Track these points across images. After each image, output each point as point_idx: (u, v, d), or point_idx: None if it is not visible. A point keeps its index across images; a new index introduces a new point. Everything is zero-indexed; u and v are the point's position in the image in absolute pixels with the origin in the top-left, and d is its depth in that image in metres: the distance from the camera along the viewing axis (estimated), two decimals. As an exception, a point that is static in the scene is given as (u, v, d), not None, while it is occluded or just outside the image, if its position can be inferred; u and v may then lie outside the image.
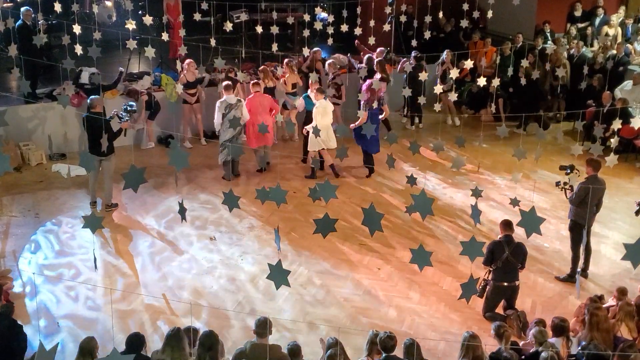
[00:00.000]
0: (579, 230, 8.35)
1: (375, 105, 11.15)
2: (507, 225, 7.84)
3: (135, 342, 6.02)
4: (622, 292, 7.08)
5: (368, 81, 11.27)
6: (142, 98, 12.23)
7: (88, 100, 9.98)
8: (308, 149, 11.25)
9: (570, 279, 8.54)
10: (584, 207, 8.07)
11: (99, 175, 10.02)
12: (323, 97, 10.95)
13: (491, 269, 7.76)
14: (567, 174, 8.54)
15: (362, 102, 11.18)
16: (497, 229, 9.69)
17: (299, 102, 11.77)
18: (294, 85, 12.54)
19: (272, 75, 12.30)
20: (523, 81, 11.50)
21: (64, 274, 8.54)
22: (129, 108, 10.28)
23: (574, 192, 8.32)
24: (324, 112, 10.93)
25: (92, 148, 9.58)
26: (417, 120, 13.82)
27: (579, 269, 8.33)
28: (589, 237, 8.54)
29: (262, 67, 12.39)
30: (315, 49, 13.21)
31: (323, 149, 11.08)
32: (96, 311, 7.81)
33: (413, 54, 13.00)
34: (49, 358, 3.54)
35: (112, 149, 9.87)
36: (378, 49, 13.19)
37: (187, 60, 11.99)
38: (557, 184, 8.63)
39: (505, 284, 7.73)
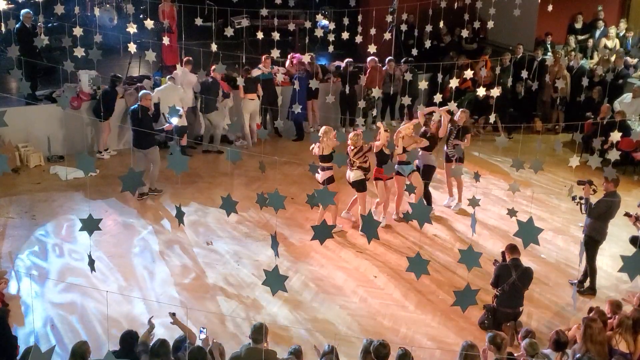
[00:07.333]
0: (594, 245, 8.41)
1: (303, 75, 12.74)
2: (512, 249, 7.67)
3: (129, 339, 6.04)
4: (617, 306, 7.02)
5: (297, 55, 13.22)
6: (119, 100, 12.09)
7: (139, 94, 10.57)
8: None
9: (590, 291, 8.56)
10: (601, 221, 8.20)
11: (147, 165, 10.51)
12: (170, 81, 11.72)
13: (497, 294, 7.65)
14: (584, 188, 8.54)
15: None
16: (495, 237, 9.77)
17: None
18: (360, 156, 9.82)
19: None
20: (522, 90, 11.52)
21: (60, 276, 8.51)
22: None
23: (594, 207, 8.28)
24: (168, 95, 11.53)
25: (135, 141, 10.50)
26: None
27: (575, 280, 8.33)
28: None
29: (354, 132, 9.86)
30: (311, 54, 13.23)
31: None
32: (92, 314, 7.79)
33: (402, 60, 13.07)
34: (44, 360, 3.53)
35: (152, 142, 10.40)
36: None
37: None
38: (574, 198, 8.52)
39: (509, 310, 7.61)
